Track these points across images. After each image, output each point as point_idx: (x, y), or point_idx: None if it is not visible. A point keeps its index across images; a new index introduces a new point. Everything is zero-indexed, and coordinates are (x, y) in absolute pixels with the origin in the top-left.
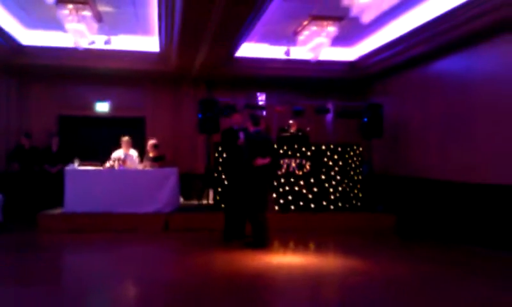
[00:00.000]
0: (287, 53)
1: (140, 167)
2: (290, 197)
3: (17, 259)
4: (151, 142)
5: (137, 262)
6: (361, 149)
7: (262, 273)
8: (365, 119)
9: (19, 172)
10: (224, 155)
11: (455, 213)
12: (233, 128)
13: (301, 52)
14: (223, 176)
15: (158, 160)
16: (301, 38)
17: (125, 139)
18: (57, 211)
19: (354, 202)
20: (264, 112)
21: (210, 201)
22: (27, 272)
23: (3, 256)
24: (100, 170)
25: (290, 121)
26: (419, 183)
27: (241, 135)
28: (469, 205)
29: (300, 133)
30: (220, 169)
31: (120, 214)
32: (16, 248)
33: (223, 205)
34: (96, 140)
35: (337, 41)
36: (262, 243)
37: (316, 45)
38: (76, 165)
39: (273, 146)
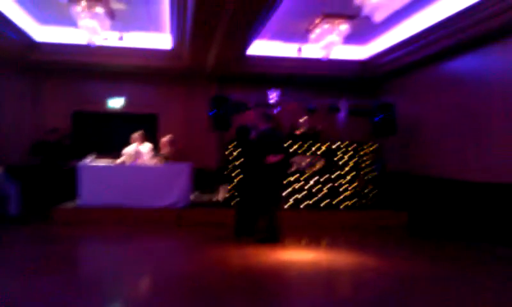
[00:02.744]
0: (299, 51)
1: (152, 162)
2: (301, 195)
3: (32, 250)
4: (164, 139)
5: (150, 256)
6: (373, 147)
7: (273, 269)
8: (377, 119)
9: (34, 166)
10: (237, 152)
11: (466, 212)
12: (247, 125)
13: (313, 50)
14: (235, 173)
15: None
16: (313, 36)
17: (135, 135)
18: (72, 204)
19: (365, 200)
20: (276, 110)
21: (221, 198)
22: (41, 263)
23: (19, 248)
24: (111, 166)
25: (302, 119)
26: (432, 182)
27: (253, 132)
28: (480, 204)
29: (312, 132)
30: (230, 166)
31: (132, 209)
32: (32, 240)
33: (233, 202)
34: (110, 136)
35: (349, 39)
36: (273, 239)
37: (328, 43)
38: (89, 160)
39: (284, 143)
